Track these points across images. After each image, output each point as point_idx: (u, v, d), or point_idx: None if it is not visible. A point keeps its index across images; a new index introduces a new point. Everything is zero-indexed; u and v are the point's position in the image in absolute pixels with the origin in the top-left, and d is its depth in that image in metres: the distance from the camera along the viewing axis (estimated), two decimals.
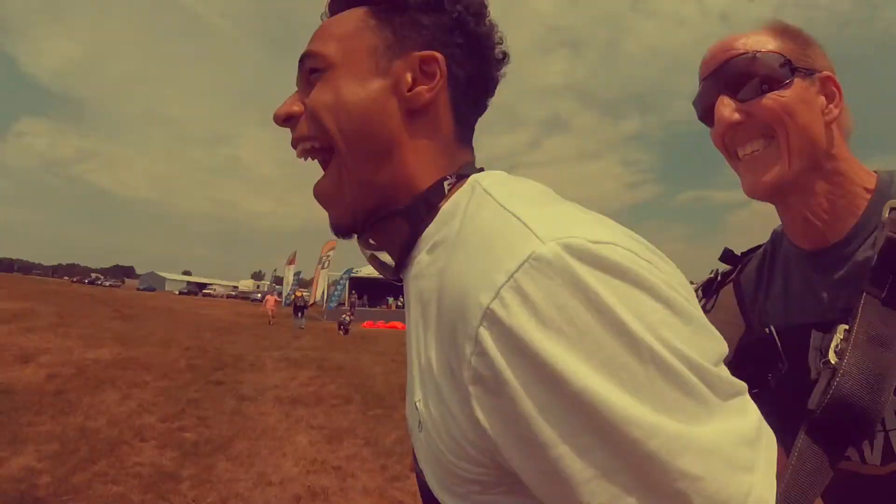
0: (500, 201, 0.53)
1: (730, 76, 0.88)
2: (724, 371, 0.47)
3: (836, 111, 0.87)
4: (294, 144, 0.67)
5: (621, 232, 0.48)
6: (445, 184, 0.63)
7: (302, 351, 12.56)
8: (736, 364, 0.57)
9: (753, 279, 1.03)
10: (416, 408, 0.57)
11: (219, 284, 68.17)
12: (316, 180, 0.67)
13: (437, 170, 0.64)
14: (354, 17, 0.66)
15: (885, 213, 0.79)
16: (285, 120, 0.66)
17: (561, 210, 0.51)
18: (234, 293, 61.09)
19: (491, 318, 0.43)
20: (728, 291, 1.07)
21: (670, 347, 0.42)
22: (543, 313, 0.41)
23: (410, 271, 0.63)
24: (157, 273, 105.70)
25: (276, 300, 26.18)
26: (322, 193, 0.67)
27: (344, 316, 21.69)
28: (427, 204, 0.62)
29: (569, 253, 0.42)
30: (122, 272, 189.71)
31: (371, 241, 0.68)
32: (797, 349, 0.88)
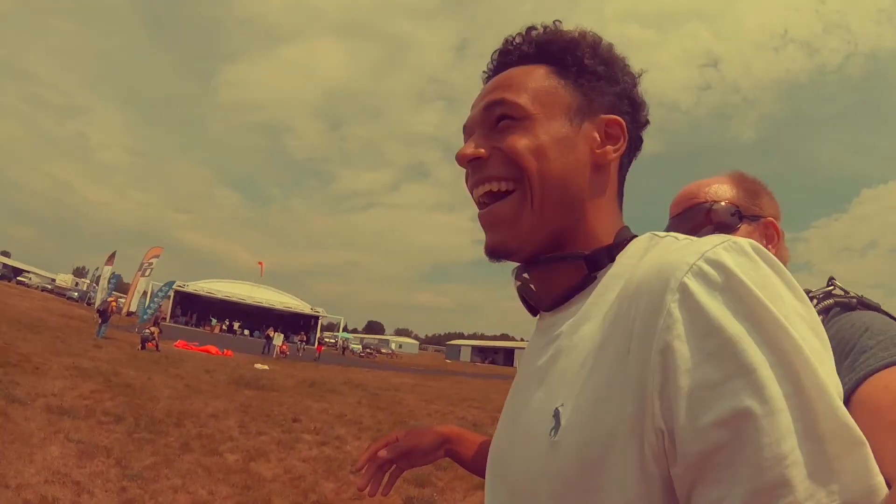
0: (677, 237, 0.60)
1: (691, 221, 1.05)
2: None
3: (772, 250, 0.99)
4: (477, 184, 0.72)
5: None
6: (630, 241, 0.68)
7: (96, 362, 12.00)
8: None
9: None
10: (557, 412, 0.57)
11: (36, 273, 59.96)
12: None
13: (611, 225, 0.71)
14: (542, 74, 0.72)
15: None
16: (471, 160, 0.71)
17: None
18: (50, 286, 54.30)
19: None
20: None
21: None
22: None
23: (566, 312, 0.67)
24: None
25: None
26: (498, 217, 0.70)
27: (147, 330, 19.23)
28: (609, 256, 0.67)
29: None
30: None
31: (524, 275, 0.72)
32: None
